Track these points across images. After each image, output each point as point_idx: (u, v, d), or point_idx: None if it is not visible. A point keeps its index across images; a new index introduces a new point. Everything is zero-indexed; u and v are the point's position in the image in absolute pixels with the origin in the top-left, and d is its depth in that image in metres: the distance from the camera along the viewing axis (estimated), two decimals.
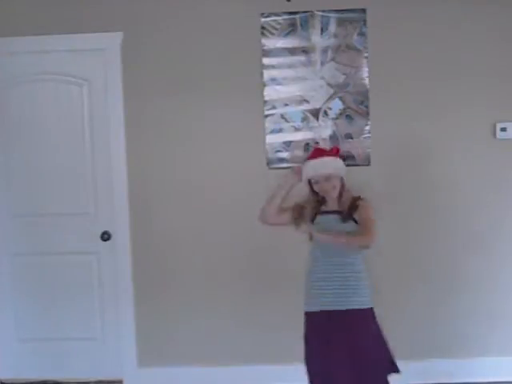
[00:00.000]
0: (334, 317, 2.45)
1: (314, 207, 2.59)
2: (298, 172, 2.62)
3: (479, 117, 3.23)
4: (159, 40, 3.27)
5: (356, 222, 2.52)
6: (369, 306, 2.53)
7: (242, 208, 3.25)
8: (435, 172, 3.26)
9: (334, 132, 3.25)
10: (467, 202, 3.26)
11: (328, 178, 2.55)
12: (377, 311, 3.29)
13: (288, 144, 3.26)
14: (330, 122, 3.25)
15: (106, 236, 3.35)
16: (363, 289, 2.52)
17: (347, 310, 2.46)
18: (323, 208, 2.59)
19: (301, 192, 2.64)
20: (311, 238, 2.49)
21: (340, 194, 2.58)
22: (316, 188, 2.58)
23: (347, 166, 3.24)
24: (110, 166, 3.33)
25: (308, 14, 3.21)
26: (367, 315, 2.51)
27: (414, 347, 3.29)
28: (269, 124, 3.26)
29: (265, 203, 2.62)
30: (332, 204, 2.59)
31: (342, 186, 2.60)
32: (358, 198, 2.57)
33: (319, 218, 2.56)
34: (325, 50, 3.22)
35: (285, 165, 3.25)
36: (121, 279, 3.35)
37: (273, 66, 3.24)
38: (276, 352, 3.26)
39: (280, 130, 3.26)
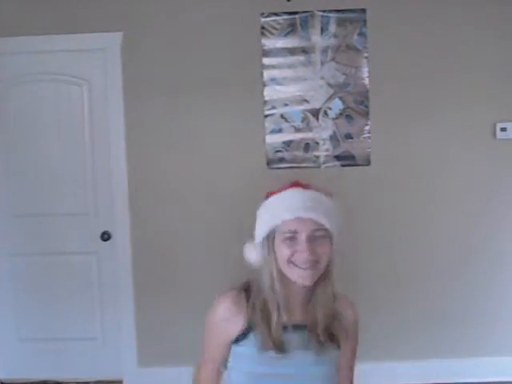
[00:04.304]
0: None
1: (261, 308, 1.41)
2: None
3: (479, 117, 3.22)
4: (159, 40, 3.27)
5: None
6: None
7: (242, 208, 3.24)
8: (435, 172, 3.26)
9: (334, 132, 3.25)
10: (467, 202, 3.26)
11: (317, 236, 1.39)
12: (377, 311, 3.31)
13: (288, 144, 3.26)
14: (330, 122, 3.25)
15: (106, 236, 3.35)
16: None
17: None
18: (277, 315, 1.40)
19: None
20: None
21: (320, 281, 1.42)
22: (284, 253, 1.39)
23: (347, 166, 3.31)
24: (110, 166, 3.33)
25: (308, 14, 3.21)
26: None
27: (414, 347, 3.29)
28: (269, 124, 3.26)
29: None
30: (296, 304, 1.44)
31: (329, 264, 1.43)
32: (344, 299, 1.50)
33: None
34: (325, 50, 3.22)
35: (285, 165, 3.25)
36: (121, 279, 3.35)
37: (273, 66, 3.24)
38: None
39: (280, 130, 3.26)
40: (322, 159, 3.26)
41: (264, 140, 3.27)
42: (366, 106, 3.23)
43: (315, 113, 3.25)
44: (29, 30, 3.26)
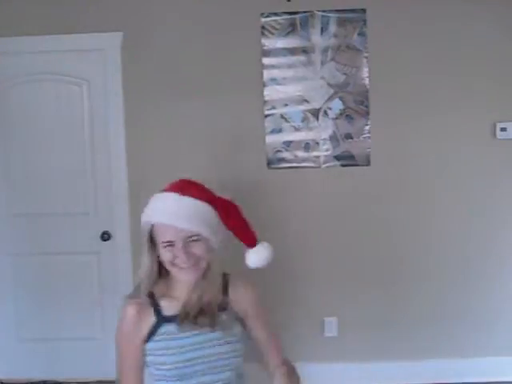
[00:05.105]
0: None
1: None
2: None
3: (479, 117, 3.22)
4: (159, 40, 3.27)
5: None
6: None
7: (242, 208, 3.25)
8: (435, 172, 3.26)
9: (334, 132, 3.25)
10: (467, 202, 3.26)
11: (192, 241, 1.60)
12: (377, 311, 3.32)
13: (288, 144, 3.26)
14: (330, 122, 3.25)
15: (106, 236, 3.36)
16: None
17: None
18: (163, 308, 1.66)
19: None
20: None
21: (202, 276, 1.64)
22: (166, 257, 1.61)
23: (347, 166, 3.31)
24: (110, 166, 3.33)
25: (308, 14, 3.21)
26: None
27: (414, 347, 3.29)
28: (269, 124, 3.26)
29: None
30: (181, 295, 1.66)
31: (210, 261, 1.66)
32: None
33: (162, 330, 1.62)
34: (325, 50, 3.22)
35: (285, 165, 3.25)
36: (121, 279, 3.35)
37: (273, 66, 3.24)
38: None
39: (280, 130, 3.26)
40: (322, 159, 3.26)
41: (264, 140, 3.27)
42: (366, 106, 3.23)
43: (315, 113, 3.25)
44: (29, 30, 3.26)
